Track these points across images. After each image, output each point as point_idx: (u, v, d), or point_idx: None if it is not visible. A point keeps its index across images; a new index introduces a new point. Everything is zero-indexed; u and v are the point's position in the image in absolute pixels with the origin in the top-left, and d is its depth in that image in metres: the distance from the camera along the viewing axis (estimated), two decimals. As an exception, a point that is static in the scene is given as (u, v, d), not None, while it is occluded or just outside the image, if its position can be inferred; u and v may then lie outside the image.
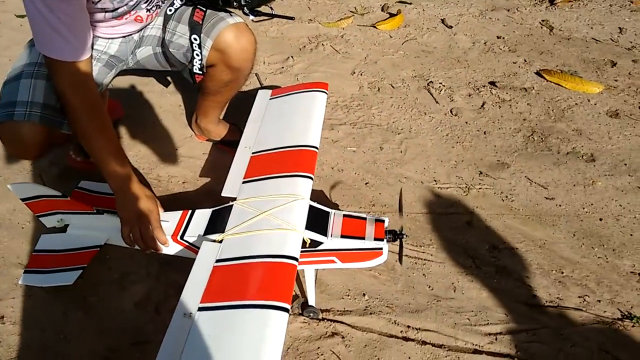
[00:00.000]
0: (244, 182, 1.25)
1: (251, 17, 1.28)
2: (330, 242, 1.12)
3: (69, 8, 1.04)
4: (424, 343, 1.24)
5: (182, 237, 1.20)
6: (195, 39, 1.25)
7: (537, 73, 2.15)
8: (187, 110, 1.90)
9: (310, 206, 1.15)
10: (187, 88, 1.99)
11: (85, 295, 1.30)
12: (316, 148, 1.30)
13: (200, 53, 1.27)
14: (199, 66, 1.31)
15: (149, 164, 1.69)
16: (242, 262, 1.02)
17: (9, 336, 1.22)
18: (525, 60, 2.23)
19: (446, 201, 1.59)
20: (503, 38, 2.37)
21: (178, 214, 1.25)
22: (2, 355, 1.19)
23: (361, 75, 2.14)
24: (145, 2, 1.29)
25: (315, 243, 1.12)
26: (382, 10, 2.57)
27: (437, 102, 1.99)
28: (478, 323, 1.28)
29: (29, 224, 1.46)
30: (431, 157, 1.75)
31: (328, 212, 1.17)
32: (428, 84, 2.09)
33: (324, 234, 1.12)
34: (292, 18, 1.41)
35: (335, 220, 1.16)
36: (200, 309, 0.94)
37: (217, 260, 1.04)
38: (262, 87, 1.63)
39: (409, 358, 1.21)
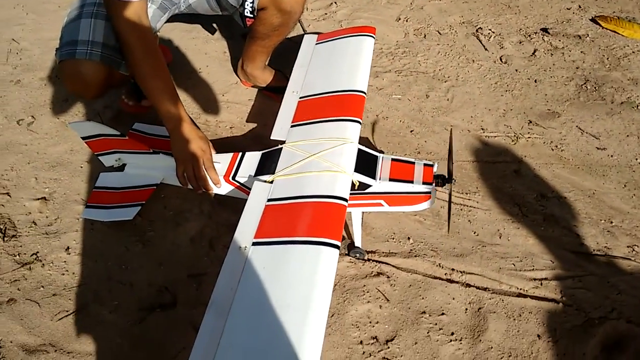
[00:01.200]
0: (292, 126, 1.27)
1: None
2: (379, 185, 1.13)
3: None
4: (468, 285, 1.26)
5: (233, 178, 1.23)
6: None
7: (592, 20, 2.04)
8: (232, 57, 1.91)
9: (359, 150, 1.16)
10: (233, 35, 1.99)
11: (144, 231, 1.37)
12: (364, 93, 1.30)
13: None
14: (251, 9, 1.31)
15: (197, 109, 1.72)
16: (293, 201, 1.05)
17: (74, 265, 1.31)
18: (579, 6, 2.12)
19: (494, 150, 1.57)
20: (558, -18, 2.25)
21: (229, 155, 1.28)
22: (69, 283, 1.28)
23: (406, 21, 2.08)
24: None
25: (363, 186, 1.13)
26: (429, -47, 2.46)
27: (485, 49, 1.93)
28: (523, 268, 1.29)
29: (87, 164, 1.53)
30: (479, 106, 1.72)
31: (376, 156, 1.18)
32: (476, 31, 2.02)
33: (373, 177, 1.13)
34: None
35: (384, 164, 1.17)
36: (254, 244, 0.98)
37: (269, 200, 1.07)
38: (307, 33, 1.61)
39: (453, 299, 1.24)
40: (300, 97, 1.35)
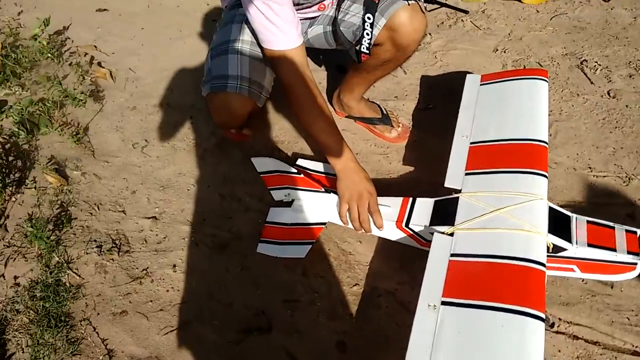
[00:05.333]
0: (467, 174, 1.23)
1: (425, 4, 1.27)
2: (575, 249, 1.06)
3: (283, 2, 1.16)
4: (576, 337, 1.19)
5: (406, 225, 1.22)
6: (368, 18, 1.28)
7: None
8: (326, 87, 1.97)
9: (550, 208, 1.10)
10: (327, 65, 2.05)
11: (244, 254, 1.43)
12: (546, 143, 1.23)
13: (371, 32, 1.30)
14: (367, 45, 1.33)
15: (293, 137, 1.78)
16: (482, 259, 1.01)
17: (179, 283, 1.39)
18: (698, 38, 1.96)
19: (603, 191, 1.48)
20: (674, 12, 2.11)
21: (398, 200, 1.28)
22: (174, 299, 1.36)
23: (504, 52, 2.03)
24: None
25: (556, 249, 1.07)
26: (529, -17, 2.40)
27: (592, 83, 1.84)
28: (639, 324, 1.19)
29: (192, 187, 1.63)
30: (585, 143, 1.63)
31: (569, 216, 1.12)
32: (581, 63, 1.93)
33: (568, 240, 1.07)
34: (465, 11, 1.37)
35: (579, 225, 1.10)
36: (444, 303, 0.95)
37: (452, 255, 1.04)
38: (469, 72, 1.60)
39: (559, 351, 1.17)
40: (472, 143, 1.31)
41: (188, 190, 1.62)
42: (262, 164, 1.41)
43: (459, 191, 1.19)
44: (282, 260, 1.40)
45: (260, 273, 1.39)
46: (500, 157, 1.22)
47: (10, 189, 1.61)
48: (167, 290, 1.38)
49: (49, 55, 2.06)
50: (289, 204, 1.46)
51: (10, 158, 1.71)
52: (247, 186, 1.60)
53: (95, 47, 2.19)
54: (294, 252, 1.37)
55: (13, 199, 1.60)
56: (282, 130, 1.80)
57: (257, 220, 1.51)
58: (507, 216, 1.06)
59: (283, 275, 1.39)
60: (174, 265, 1.43)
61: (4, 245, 1.48)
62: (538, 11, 2.23)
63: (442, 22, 2.24)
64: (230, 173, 1.65)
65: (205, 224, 1.52)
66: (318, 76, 2.03)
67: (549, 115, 1.72)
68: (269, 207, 1.50)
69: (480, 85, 1.48)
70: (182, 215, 1.55)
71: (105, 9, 2.43)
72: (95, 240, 1.48)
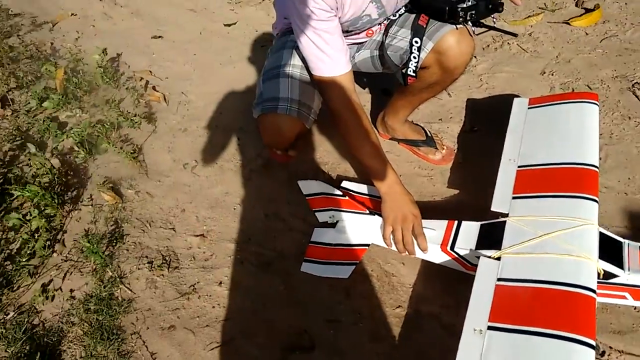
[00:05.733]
0: (514, 198, 1.22)
1: (473, 28, 1.29)
2: (627, 276, 1.04)
3: (334, 31, 1.20)
4: (630, 368, 1.14)
5: (452, 248, 1.22)
6: (416, 42, 1.31)
7: None
8: (371, 109, 1.99)
9: (601, 233, 1.08)
10: (372, 88, 2.08)
11: (287, 272, 1.46)
12: (597, 167, 1.22)
13: (418, 55, 1.33)
14: (414, 68, 1.36)
15: (336, 159, 1.81)
16: (530, 284, 0.99)
17: (224, 299, 1.43)
18: None
19: (658, 216, 1.42)
20: None
21: (443, 223, 1.28)
22: (219, 315, 1.39)
23: (552, 75, 2.01)
24: (378, 24, 1.39)
25: (608, 275, 1.05)
26: (577, 5, 2.37)
27: (644, 106, 1.79)
28: (700, 356, 1.13)
29: (239, 206, 1.68)
30: (636, 167, 1.58)
31: (621, 242, 1.10)
32: (632, 86, 1.88)
33: (621, 266, 1.05)
34: (514, 35, 1.38)
35: (631, 251, 1.07)
36: (490, 328, 0.94)
37: (499, 279, 1.03)
38: (515, 95, 1.60)
39: (612, 381, 1.12)
40: (519, 167, 1.30)
41: (234, 209, 1.67)
42: (308, 186, 1.45)
43: (506, 215, 1.18)
44: (325, 280, 1.41)
45: (304, 292, 1.41)
46: (549, 181, 1.21)
47: (69, 205, 1.71)
48: (213, 307, 1.41)
49: (107, 79, 2.19)
50: (333, 225, 1.48)
51: (69, 176, 1.82)
52: (291, 207, 1.64)
53: (150, 72, 2.31)
54: (338, 273, 1.38)
55: (71, 215, 1.69)
56: (325, 152, 1.83)
57: (301, 240, 1.53)
58: (556, 241, 1.04)
59: (326, 295, 1.40)
60: (220, 282, 1.46)
61: (61, 260, 1.56)
62: (587, 33, 2.19)
63: (488, 45, 2.24)
64: (275, 193, 1.69)
65: (251, 242, 1.56)
66: (363, 99, 2.06)
67: (599, 138, 1.69)
68: (313, 228, 1.52)
69: (528, 108, 1.46)
70: (228, 233, 1.60)
71: (160, 37, 2.56)
72: (146, 256, 1.55)
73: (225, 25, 2.61)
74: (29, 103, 2.10)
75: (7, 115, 2.04)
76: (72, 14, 2.73)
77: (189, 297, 1.43)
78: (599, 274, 1.00)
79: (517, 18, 2.35)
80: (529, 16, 2.33)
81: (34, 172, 1.74)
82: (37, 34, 2.55)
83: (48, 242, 1.57)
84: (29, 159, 1.79)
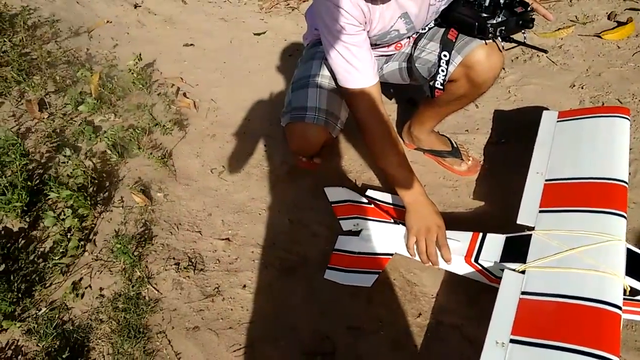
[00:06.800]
0: (540, 211, 1.22)
1: (502, 43, 1.29)
2: None
3: (362, 44, 1.22)
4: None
5: (476, 260, 1.22)
6: (445, 55, 1.32)
7: None
8: (397, 119, 2.00)
9: (628, 249, 1.06)
10: (398, 99, 2.09)
11: (310, 278, 1.48)
12: (626, 183, 1.20)
13: (446, 69, 1.34)
14: (442, 81, 1.36)
15: (361, 167, 1.82)
16: (554, 299, 0.99)
17: (248, 302, 1.45)
18: None
19: (691, 234, 1.39)
20: None
21: (468, 235, 1.28)
22: (242, 318, 1.42)
23: (582, 88, 1.98)
24: (407, 38, 1.41)
25: (635, 292, 1.03)
26: (609, 18, 2.34)
27: (678, 121, 1.75)
28: None
29: (264, 212, 1.71)
30: (670, 183, 1.55)
31: None
32: (666, 100, 1.84)
33: None
34: (545, 51, 1.38)
35: None
36: (512, 341, 0.94)
37: (523, 292, 1.03)
38: (544, 108, 1.58)
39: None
40: (547, 180, 1.30)
41: (260, 214, 1.70)
42: (334, 193, 1.46)
43: (532, 228, 1.17)
44: (347, 287, 1.42)
45: (326, 298, 1.42)
46: (577, 195, 1.19)
47: (100, 207, 1.77)
48: (237, 309, 1.44)
49: (140, 85, 2.26)
50: (357, 233, 1.49)
51: (102, 179, 1.88)
52: (315, 213, 1.66)
53: (182, 79, 2.37)
54: (361, 281, 1.38)
55: (102, 216, 1.75)
56: (350, 161, 1.85)
57: (324, 247, 1.55)
58: (582, 256, 1.03)
59: (348, 302, 1.41)
60: (244, 286, 1.49)
61: (92, 259, 1.61)
62: (619, 47, 2.16)
63: (517, 57, 2.23)
64: (299, 200, 1.72)
65: (275, 247, 1.58)
66: (389, 108, 2.08)
67: (629, 153, 1.66)
68: (336, 235, 1.54)
69: (558, 121, 1.45)
70: (253, 238, 1.62)
71: (191, 44, 2.63)
72: (173, 258, 1.58)
73: (254, 34, 2.66)
74: (65, 107, 2.18)
75: (44, 118, 2.12)
76: (107, 22, 2.82)
77: (213, 299, 1.46)
78: (625, 291, 0.99)
79: (547, 30, 2.33)
80: (559, 29, 2.31)
81: (69, 173, 1.81)
82: (74, 41, 2.64)
83: (80, 242, 1.62)
84: (65, 162, 1.86)
